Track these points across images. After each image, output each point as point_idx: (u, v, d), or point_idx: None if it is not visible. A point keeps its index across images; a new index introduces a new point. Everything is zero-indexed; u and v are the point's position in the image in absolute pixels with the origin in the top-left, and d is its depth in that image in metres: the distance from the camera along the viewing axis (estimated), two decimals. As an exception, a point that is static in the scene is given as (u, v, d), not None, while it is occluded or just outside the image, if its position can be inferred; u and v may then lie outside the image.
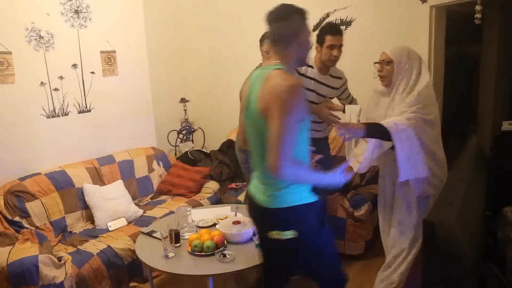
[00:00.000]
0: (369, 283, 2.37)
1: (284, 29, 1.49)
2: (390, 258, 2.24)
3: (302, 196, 1.53)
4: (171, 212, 2.93)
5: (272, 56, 1.56)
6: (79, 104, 3.18)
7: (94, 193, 2.92)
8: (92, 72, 3.25)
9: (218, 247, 2.10)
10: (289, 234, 1.51)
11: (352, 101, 2.73)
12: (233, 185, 3.57)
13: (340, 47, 2.40)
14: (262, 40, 2.57)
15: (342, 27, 3.44)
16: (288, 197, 1.51)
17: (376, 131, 1.90)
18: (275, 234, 1.53)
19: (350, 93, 2.72)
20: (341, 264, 1.76)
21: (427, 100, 1.96)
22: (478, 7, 2.56)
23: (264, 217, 1.59)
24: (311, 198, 1.56)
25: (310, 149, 1.62)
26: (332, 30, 2.38)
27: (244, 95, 1.63)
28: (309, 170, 1.55)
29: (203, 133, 4.45)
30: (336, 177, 1.58)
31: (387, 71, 2.04)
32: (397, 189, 2.15)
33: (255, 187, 1.62)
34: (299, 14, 1.51)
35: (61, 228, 2.76)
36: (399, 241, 2.17)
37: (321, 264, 1.64)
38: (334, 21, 3.47)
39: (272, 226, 1.54)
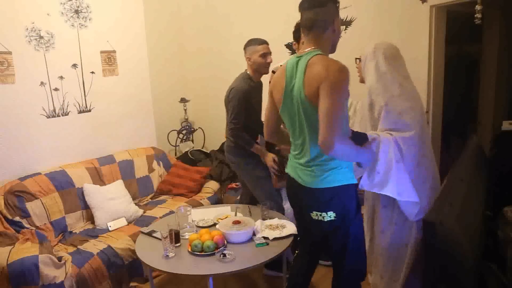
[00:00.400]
0: (370, 283, 2.37)
1: (321, 15, 1.55)
2: (377, 279, 2.18)
3: (346, 176, 1.61)
4: (171, 212, 2.93)
5: (306, 43, 1.61)
6: (79, 104, 3.18)
7: (94, 193, 2.92)
8: (92, 72, 3.25)
9: (218, 247, 2.10)
10: (328, 216, 1.60)
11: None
12: (233, 185, 3.57)
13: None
14: (246, 47, 2.65)
15: (342, 27, 3.45)
16: (334, 178, 1.58)
17: (360, 137, 1.84)
18: (315, 215, 1.62)
19: None
20: (365, 258, 1.79)
21: (399, 109, 1.87)
22: (478, 7, 2.56)
23: (308, 197, 1.66)
24: (353, 180, 1.64)
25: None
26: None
27: (280, 87, 1.66)
28: (356, 147, 1.59)
29: (203, 133, 4.45)
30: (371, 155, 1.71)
31: (358, 68, 2.09)
32: (382, 198, 2.09)
33: (299, 169, 1.68)
34: (333, 2, 1.59)
35: (61, 228, 2.76)
36: (380, 266, 2.13)
37: (349, 252, 1.68)
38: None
39: (315, 206, 1.63)
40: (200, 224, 2.45)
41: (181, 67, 4.47)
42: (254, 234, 2.25)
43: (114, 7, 3.38)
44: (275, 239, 2.19)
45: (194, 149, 4.13)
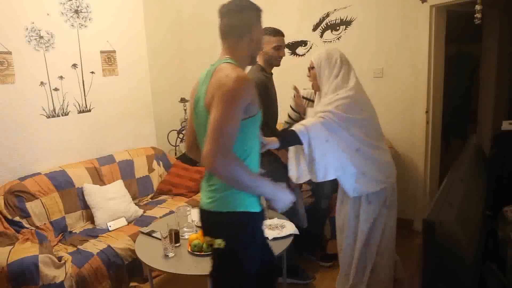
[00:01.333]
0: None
1: (237, 22, 1.45)
2: (344, 266, 2.27)
3: (243, 203, 1.41)
4: (171, 212, 2.93)
5: (222, 51, 1.50)
6: (79, 104, 3.18)
7: (94, 193, 2.92)
8: (92, 72, 3.25)
9: (218, 247, 2.10)
10: (217, 243, 1.41)
11: None
12: (233, 185, 3.56)
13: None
14: None
15: (342, 27, 3.45)
16: (229, 202, 1.40)
17: (289, 139, 1.92)
18: (208, 241, 1.47)
19: None
20: None
21: (353, 103, 1.97)
22: (478, 7, 2.56)
23: (202, 220, 1.51)
24: (253, 207, 1.43)
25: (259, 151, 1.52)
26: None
27: (193, 95, 1.53)
28: (251, 172, 1.34)
29: (203, 133, 4.45)
30: (280, 192, 1.44)
31: (312, 76, 2.12)
32: (338, 197, 2.28)
33: (202, 189, 1.52)
34: (254, 9, 1.47)
35: (61, 228, 2.76)
36: (344, 245, 2.22)
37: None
38: (334, 21, 3.47)
39: (206, 231, 1.49)
40: (200, 224, 2.44)
41: (181, 67, 4.46)
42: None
43: (114, 7, 3.37)
44: (274, 239, 2.19)
45: (194, 149, 4.13)
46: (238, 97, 1.30)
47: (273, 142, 1.86)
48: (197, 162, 3.85)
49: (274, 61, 2.45)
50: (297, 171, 2.14)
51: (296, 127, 1.92)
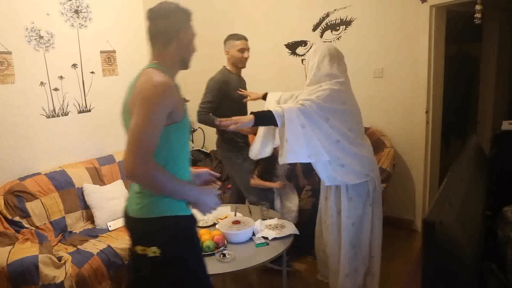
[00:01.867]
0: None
1: (164, 27, 1.41)
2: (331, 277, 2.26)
3: (172, 207, 1.37)
4: (171, 212, 2.93)
5: (151, 56, 1.48)
6: (79, 104, 3.18)
7: (94, 193, 2.92)
8: (92, 72, 3.25)
9: (218, 247, 2.10)
10: (152, 251, 1.34)
11: None
12: (233, 185, 3.57)
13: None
14: (225, 42, 2.80)
15: (342, 27, 3.45)
16: (158, 206, 1.35)
17: (264, 117, 1.96)
18: (140, 250, 1.36)
19: None
20: None
21: (335, 95, 1.99)
22: (478, 7, 2.56)
23: (131, 229, 1.44)
24: (184, 210, 1.40)
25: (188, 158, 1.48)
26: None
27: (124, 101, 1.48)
28: (172, 178, 1.33)
29: (203, 133, 4.45)
30: (206, 197, 1.43)
31: (305, 66, 2.20)
32: (321, 193, 2.30)
33: (129, 195, 1.47)
34: (182, 12, 1.44)
35: (61, 228, 2.76)
36: (331, 241, 2.22)
37: None
38: (334, 21, 3.47)
39: (137, 240, 1.39)
40: (200, 224, 2.45)
41: (181, 67, 4.47)
42: (253, 234, 2.25)
43: (114, 7, 3.38)
44: (274, 239, 2.19)
45: (194, 149, 4.13)
46: (157, 103, 1.28)
47: (248, 120, 1.89)
48: (198, 162, 3.86)
49: (239, 63, 2.77)
50: (259, 148, 2.20)
51: (273, 108, 1.95)
